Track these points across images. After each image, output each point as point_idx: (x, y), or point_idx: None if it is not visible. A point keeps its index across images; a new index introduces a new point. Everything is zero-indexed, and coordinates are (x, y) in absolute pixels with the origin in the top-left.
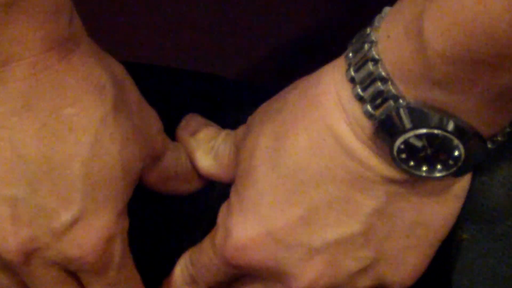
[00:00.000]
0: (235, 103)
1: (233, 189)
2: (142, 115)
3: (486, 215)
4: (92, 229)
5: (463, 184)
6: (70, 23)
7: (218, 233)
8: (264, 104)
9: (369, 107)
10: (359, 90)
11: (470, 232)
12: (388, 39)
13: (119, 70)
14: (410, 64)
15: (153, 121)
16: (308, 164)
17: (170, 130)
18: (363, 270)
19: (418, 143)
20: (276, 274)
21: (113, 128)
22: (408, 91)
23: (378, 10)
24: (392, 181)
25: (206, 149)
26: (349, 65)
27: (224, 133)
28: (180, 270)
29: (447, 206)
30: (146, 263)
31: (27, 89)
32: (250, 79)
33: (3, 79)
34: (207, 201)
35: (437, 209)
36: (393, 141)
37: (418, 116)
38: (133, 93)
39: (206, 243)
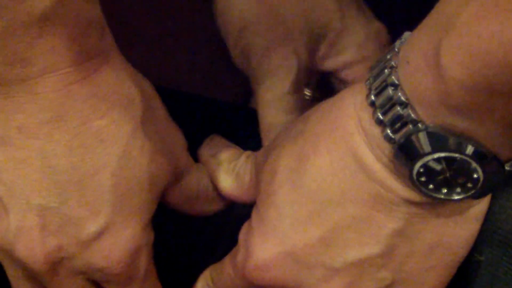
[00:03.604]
0: (245, 128)
1: (254, 210)
2: (168, 131)
3: (502, 237)
4: (119, 240)
5: (481, 206)
6: (102, 37)
7: (239, 253)
8: (285, 127)
9: (388, 131)
10: (379, 114)
11: (486, 254)
12: (407, 65)
13: (148, 85)
14: (428, 90)
15: (178, 138)
16: (329, 185)
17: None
18: None
19: (437, 167)
20: None
21: (142, 141)
22: (427, 116)
23: None
24: (412, 203)
25: (228, 170)
26: (370, 90)
27: (245, 154)
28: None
29: (466, 227)
30: (168, 277)
31: (59, 101)
32: None
33: (35, 90)
34: (227, 219)
35: (456, 231)
36: (413, 165)
37: (437, 140)
38: (161, 109)
39: (227, 262)
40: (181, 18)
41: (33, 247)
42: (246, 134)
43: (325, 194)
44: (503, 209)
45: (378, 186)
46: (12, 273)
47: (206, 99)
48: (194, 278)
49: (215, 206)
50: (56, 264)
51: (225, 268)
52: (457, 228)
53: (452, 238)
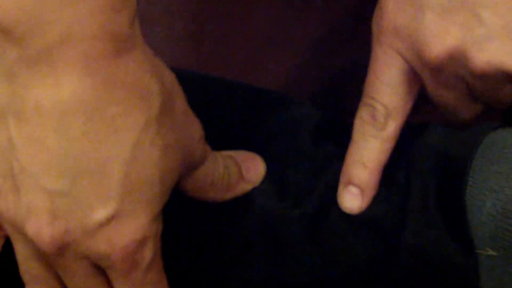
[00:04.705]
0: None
1: None
2: (186, 124)
3: None
4: (125, 229)
5: None
6: (131, 24)
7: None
8: None
9: None
10: None
11: (498, 249)
12: None
13: (170, 78)
14: None
15: (195, 130)
16: None
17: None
18: None
19: None
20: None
21: (155, 134)
22: None
23: None
24: None
25: None
26: None
27: None
28: None
29: None
30: (174, 268)
31: (76, 78)
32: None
33: (55, 62)
34: (239, 213)
35: None
36: None
37: None
38: (180, 102)
39: None
40: None
41: (41, 228)
42: (268, 119)
43: None
44: None
45: None
46: (21, 252)
47: (231, 83)
48: (202, 269)
49: (228, 194)
50: (62, 247)
51: None
52: None
53: None
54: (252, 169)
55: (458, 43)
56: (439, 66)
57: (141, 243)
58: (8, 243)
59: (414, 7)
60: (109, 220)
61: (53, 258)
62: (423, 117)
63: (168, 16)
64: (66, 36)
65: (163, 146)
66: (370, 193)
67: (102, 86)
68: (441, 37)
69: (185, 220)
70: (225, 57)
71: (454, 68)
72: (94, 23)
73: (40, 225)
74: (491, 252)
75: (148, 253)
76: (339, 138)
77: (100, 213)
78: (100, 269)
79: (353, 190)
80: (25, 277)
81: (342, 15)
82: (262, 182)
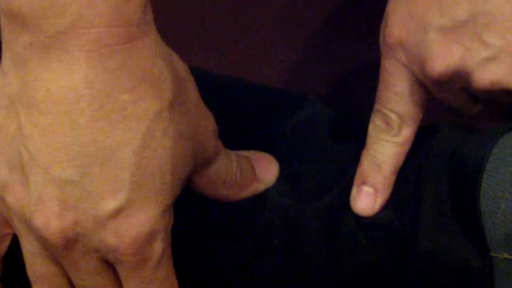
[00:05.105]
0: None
1: None
2: (198, 116)
3: None
4: (135, 221)
5: None
6: (144, 10)
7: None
8: None
9: None
10: None
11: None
12: None
13: (182, 68)
14: None
15: (208, 123)
16: None
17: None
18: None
19: None
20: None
21: (167, 123)
22: None
23: None
24: None
25: None
26: None
27: None
28: None
29: None
30: (183, 268)
31: (89, 63)
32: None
33: (67, 48)
34: (253, 211)
35: None
36: None
37: None
38: (192, 93)
39: None
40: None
41: (50, 220)
42: (281, 119)
43: None
44: None
45: None
46: (29, 249)
47: (242, 82)
48: (212, 267)
49: (242, 194)
50: (71, 239)
51: None
52: None
53: None
54: (265, 169)
55: (461, 63)
56: (441, 81)
57: (150, 235)
58: (14, 243)
59: (417, 24)
60: (119, 210)
61: (60, 253)
62: (431, 117)
63: (169, 15)
64: (78, 20)
65: (175, 135)
66: (384, 195)
67: (114, 72)
68: (443, 56)
69: (197, 219)
70: (228, 55)
71: (457, 82)
72: (107, 7)
73: (49, 216)
74: (506, 255)
75: (158, 247)
76: (353, 137)
77: (110, 204)
78: (109, 265)
79: (367, 189)
80: (32, 275)
81: (348, 12)
82: (276, 182)
